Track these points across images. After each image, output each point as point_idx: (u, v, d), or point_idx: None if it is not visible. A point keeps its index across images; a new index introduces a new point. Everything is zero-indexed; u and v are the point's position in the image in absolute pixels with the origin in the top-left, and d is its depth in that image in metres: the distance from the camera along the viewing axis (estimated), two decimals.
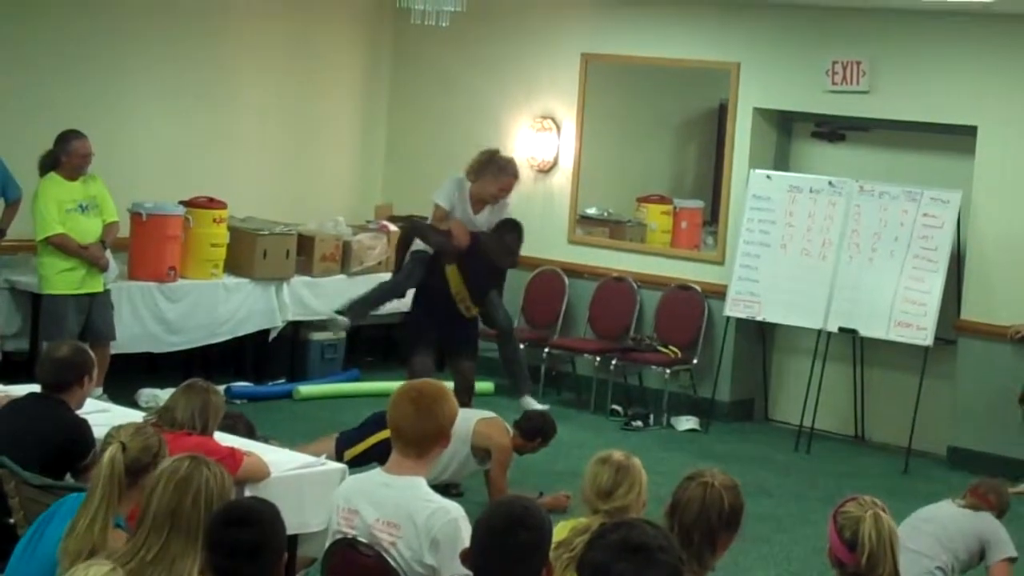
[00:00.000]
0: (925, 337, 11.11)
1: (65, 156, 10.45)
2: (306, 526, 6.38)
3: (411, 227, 10.67)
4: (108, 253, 10.68)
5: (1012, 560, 7.12)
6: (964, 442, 11.27)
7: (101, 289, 10.63)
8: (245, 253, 12.06)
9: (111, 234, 10.70)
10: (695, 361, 12.31)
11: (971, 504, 7.15)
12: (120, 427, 5.15)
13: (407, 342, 10.32)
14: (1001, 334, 11.03)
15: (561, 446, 10.07)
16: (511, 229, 10.27)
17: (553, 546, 5.03)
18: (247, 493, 6.23)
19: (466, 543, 4.55)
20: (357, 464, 8.22)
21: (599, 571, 3.41)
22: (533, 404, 10.34)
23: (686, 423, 12.08)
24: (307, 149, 13.69)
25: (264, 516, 4.21)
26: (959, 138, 11.38)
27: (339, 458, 8.22)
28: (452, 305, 10.17)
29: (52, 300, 10.47)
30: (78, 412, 6.46)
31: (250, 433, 7.54)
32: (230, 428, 7.20)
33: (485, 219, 10.24)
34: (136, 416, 6.04)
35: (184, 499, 4.35)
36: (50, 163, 10.49)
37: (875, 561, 4.68)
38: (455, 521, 5.12)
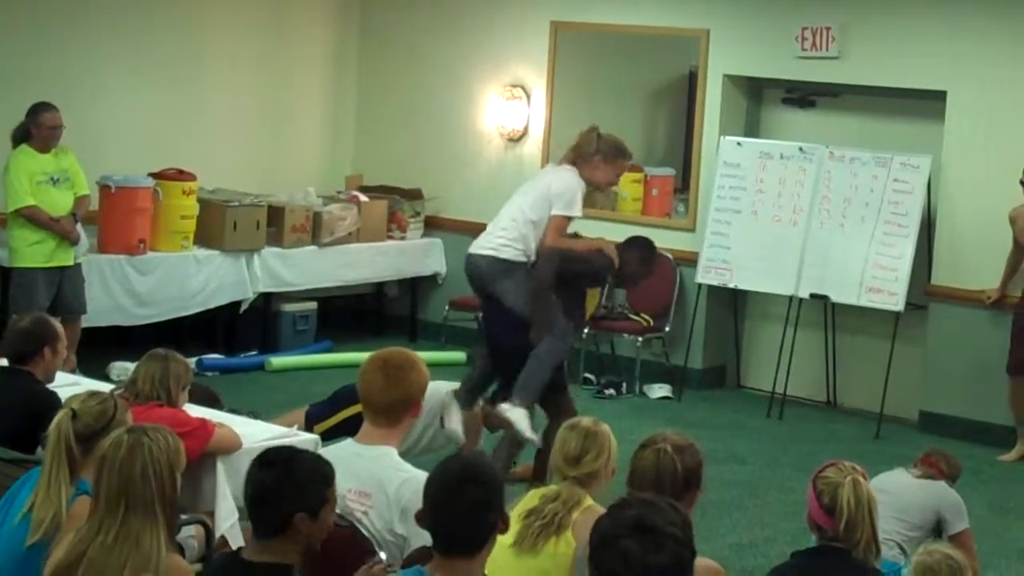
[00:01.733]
0: (896, 302, 11.13)
1: (35, 128, 10.40)
2: None
3: (561, 265, 8.65)
4: (79, 226, 10.63)
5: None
6: (935, 407, 11.31)
7: (71, 263, 10.58)
8: (215, 225, 12.01)
9: (82, 207, 10.65)
10: (667, 329, 12.32)
11: (924, 473, 7.16)
12: (76, 395, 5.14)
13: (554, 383, 8.79)
14: (971, 299, 11.06)
15: (533, 416, 10.04)
16: (650, 249, 9.17)
17: (524, 513, 5.05)
18: (219, 465, 6.23)
19: None
20: (327, 438, 8.12)
21: (606, 540, 3.43)
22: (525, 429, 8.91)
23: (659, 391, 12.10)
24: (277, 120, 13.64)
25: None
26: (929, 103, 11.39)
27: (309, 431, 8.19)
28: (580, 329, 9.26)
29: (21, 273, 10.42)
30: (48, 385, 6.45)
31: (212, 403, 7.52)
32: (195, 399, 7.20)
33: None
34: (106, 388, 6.01)
35: (132, 474, 4.29)
36: (21, 135, 10.44)
37: (853, 526, 4.72)
38: None
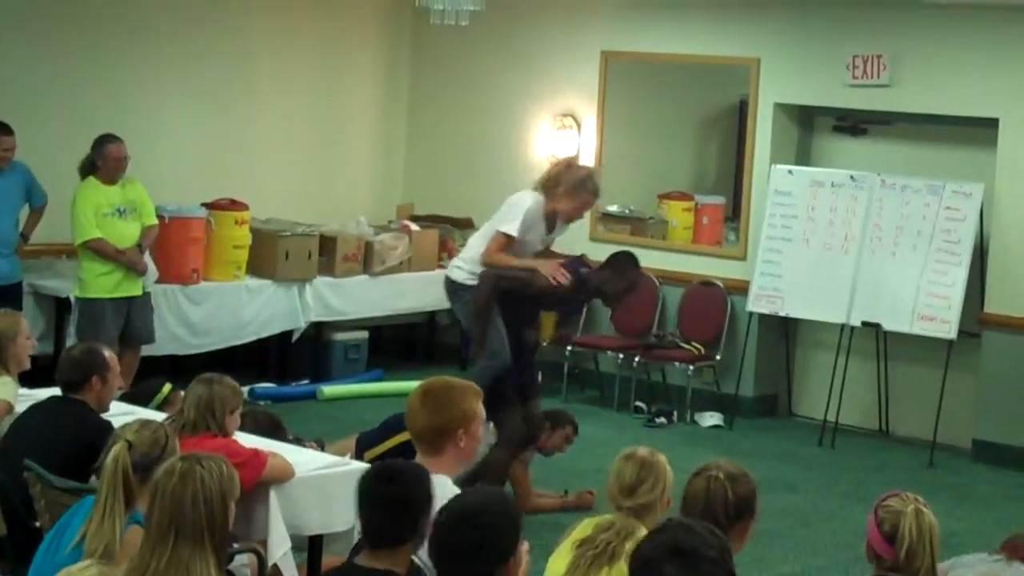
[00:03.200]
0: (949, 330, 11.08)
1: (100, 160, 10.49)
2: (332, 526, 6.39)
3: (497, 284, 8.80)
4: (147, 256, 10.72)
5: None
6: (989, 435, 11.23)
7: (140, 292, 10.68)
8: (267, 254, 12.08)
9: (149, 237, 10.74)
10: (718, 357, 12.30)
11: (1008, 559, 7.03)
12: (126, 425, 5.17)
13: (495, 402, 8.36)
14: None
15: (585, 444, 10.05)
16: (631, 268, 9.14)
17: (577, 543, 5.04)
18: (271, 494, 6.24)
19: None
20: None
21: (645, 566, 3.41)
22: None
23: (710, 419, 12.08)
24: (328, 150, 13.72)
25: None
26: (981, 130, 11.35)
27: (359, 459, 8.22)
28: (529, 349, 9.11)
29: (89, 303, 10.51)
30: (104, 415, 6.49)
31: (275, 430, 7.51)
32: (256, 425, 7.22)
33: (549, 239, 9.18)
34: (159, 418, 6.04)
35: (183, 502, 4.30)
36: (88, 167, 10.53)
37: (913, 555, 4.67)
38: None
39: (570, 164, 9.23)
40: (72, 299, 10.74)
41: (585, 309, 12.60)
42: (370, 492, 4.48)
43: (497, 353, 8.78)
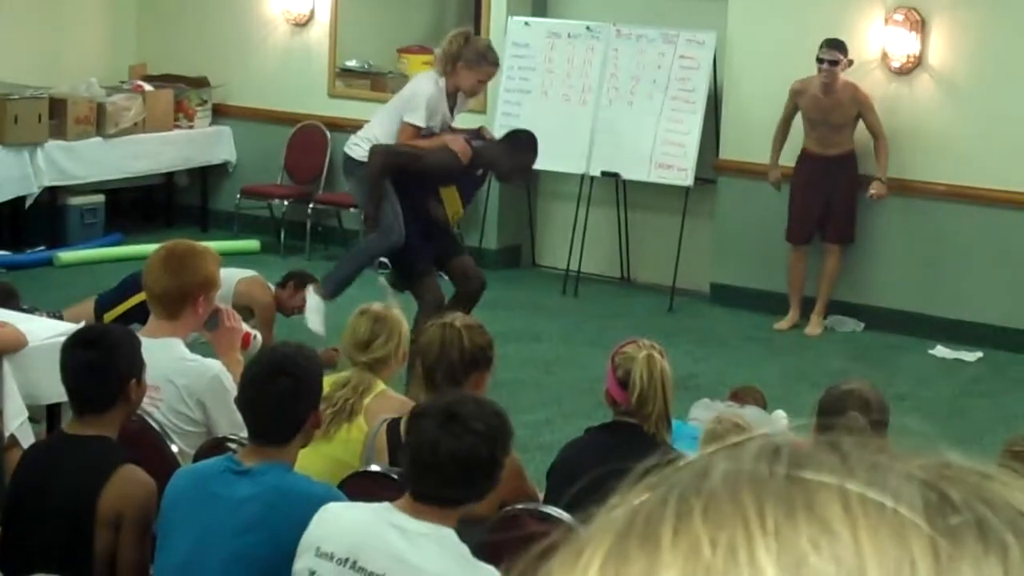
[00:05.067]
0: (685, 177, 11.27)
1: None
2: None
3: (388, 160, 8.80)
4: None
5: None
6: (725, 279, 11.50)
7: None
8: None
9: None
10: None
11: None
12: None
13: (408, 273, 9.10)
14: (758, 172, 11.19)
15: (331, 302, 9.99)
16: (528, 148, 9.11)
17: None
18: (4, 364, 6.09)
19: (233, 393, 4.58)
20: None
21: (415, 419, 3.68)
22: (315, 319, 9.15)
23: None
24: (55, 9, 13.27)
25: None
26: None
27: (98, 321, 8.10)
28: (444, 225, 9.18)
29: None
30: None
31: (6, 299, 7.32)
32: None
33: (452, 116, 9.13)
34: None
35: None
36: None
37: (644, 400, 4.79)
38: (216, 377, 5.13)
39: (468, 38, 9.06)
40: None
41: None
42: (72, 358, 4.45)
43: (391, 228, 8.79)
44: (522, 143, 9.14)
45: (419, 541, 3.59)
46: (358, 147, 8.95)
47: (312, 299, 8.86)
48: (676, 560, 0.83)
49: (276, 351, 4.44)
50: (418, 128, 8.84)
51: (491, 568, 3.56)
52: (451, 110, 9.08)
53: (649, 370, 4.80)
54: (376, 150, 8.79)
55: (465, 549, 3.60)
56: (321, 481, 4.22)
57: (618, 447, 4.82)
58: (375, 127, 9.06)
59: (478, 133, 9.22)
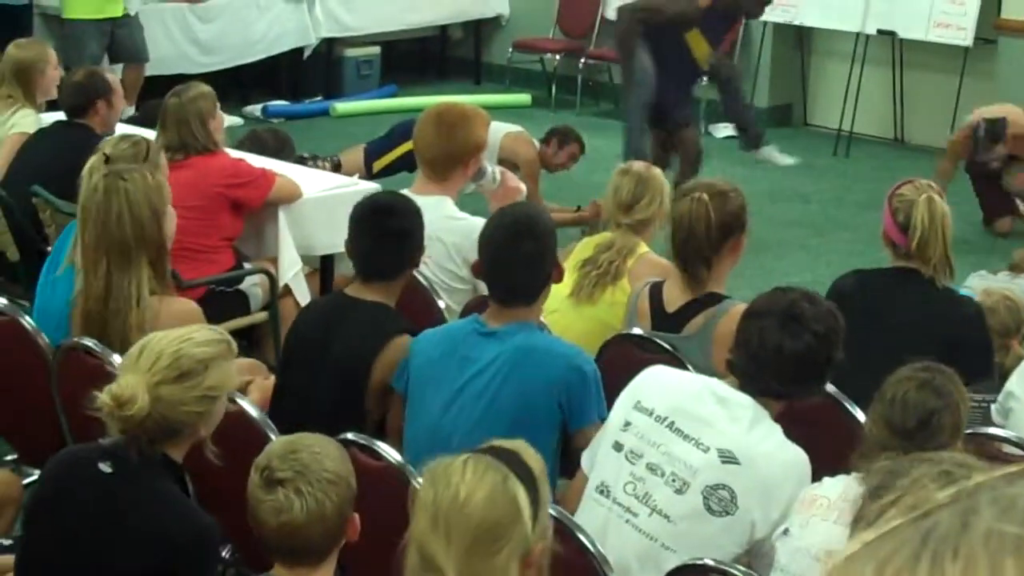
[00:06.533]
0: (964, 37, 10.95)
1: None
2: (341, 246, 6.41)
3: (632, 19, 9.21)
4: None
5: None
6: None
7: (120, 14, 10.47)
8: None
9: None
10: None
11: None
12: (109, 139, 5.11)
13: (664, 125, 9.39)
14: None
15: (599, 158, 10.00)
16: None
17: (579, 263, 5.08)
18: (280, 215, 6.24)
19: None
20: (385, 174, 8.26)
21: (753, 315, 3.75)
22: (776, 157, 9.93)
23: (724, 130, 12.01)
24: None
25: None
26: None
27: (368, 168, 8.27)
28: (688, 73, 9.43)
29: (71, 24, 10.37)
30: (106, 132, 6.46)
31: (281, 148, 7.41)
32: (261, 145, 7.19)
33: None
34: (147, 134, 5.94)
35: (108, 221, 4.38)
36: None
37: (925, 243, 4.70)
38: None
39: None
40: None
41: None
42: (368, 224, 4.47)
43: (640, 83, 9.12)
44: None
45: (738, 413, 3.61)
46: (612, 8, 9.19)
47: (765, 156, 9.88)
48: None
49: (515, 212, 4.39)
50: None
51: (799, 449, 3.58)
52: None
53: (930, 213, 4.70)
54: (622, 10, 9.13)
55: (779, 431, 3.61)
56: (571, 343, 4.24)
57: (894, 288, 4.78)
58: None
59: None
